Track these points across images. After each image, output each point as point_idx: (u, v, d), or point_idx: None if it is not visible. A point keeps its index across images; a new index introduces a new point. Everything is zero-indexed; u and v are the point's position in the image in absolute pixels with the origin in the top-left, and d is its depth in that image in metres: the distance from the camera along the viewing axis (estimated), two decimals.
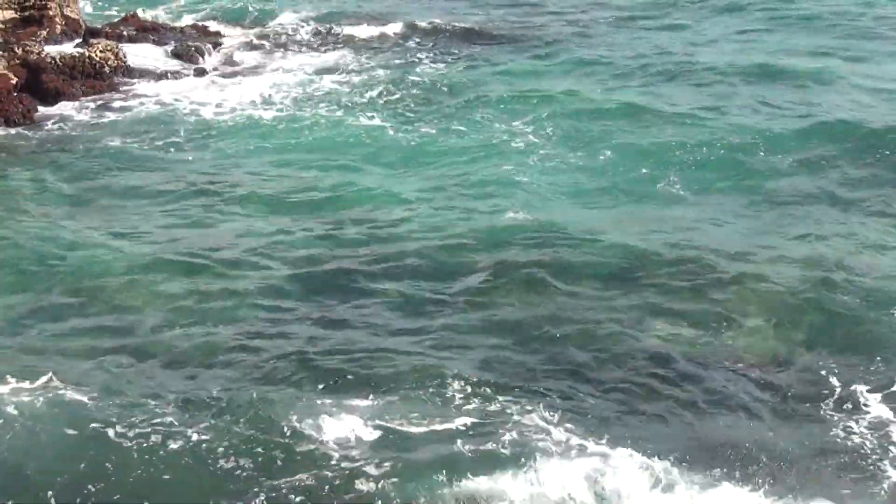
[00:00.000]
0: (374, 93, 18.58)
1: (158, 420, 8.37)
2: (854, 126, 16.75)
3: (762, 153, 15.97)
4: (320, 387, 9.35)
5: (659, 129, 17.01)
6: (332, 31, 23.26)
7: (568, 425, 8.70)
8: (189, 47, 19.80)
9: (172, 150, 15.41)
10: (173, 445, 7.89)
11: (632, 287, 11.55)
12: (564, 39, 23.35)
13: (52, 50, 18.47)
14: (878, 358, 9.82)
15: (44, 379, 8.81)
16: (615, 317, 11.05)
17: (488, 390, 9.25)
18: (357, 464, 7.89)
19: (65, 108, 16.77)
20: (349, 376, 9.46)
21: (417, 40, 22.74)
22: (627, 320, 10.87)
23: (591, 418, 9.03)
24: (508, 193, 13.93)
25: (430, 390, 9.06)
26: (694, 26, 24.99)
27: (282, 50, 20.94)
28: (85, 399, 8.52)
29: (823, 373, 9.45)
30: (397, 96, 18.45)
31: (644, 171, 14.95)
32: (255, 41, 21.53)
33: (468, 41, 23.17)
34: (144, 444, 7.81)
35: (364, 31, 23.97)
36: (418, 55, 21.59)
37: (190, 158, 15.12)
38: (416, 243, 12.41)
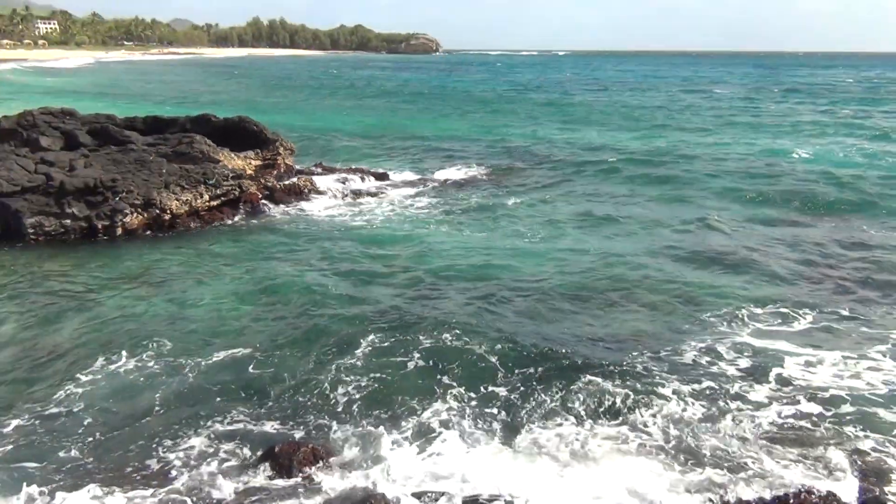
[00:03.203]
0: (453, 209, 25.58)
1: None
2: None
3: None
4: None
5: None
6: (429, 175, 32.10)
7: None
8: (346, 179, 29.59)
9: (326, 232, 22.22)
10: None
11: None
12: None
13: (278, 181, 27.57)
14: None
15: None
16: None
17: None
18: None
19: (284, 209, 25.38)
20: None
21: (486, 177, 31.69)
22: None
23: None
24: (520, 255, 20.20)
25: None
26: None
27: (401, 183, 30.15)
28: None
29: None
30: (461, 212, 25.15)
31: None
32: (385, 180, 30.86)
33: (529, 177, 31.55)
34: None
35: (450, 174, 32.32)
36: (485, 188, 29.71)
37: (339, 236, 21.70)
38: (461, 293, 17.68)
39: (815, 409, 11.63)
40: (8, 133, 26.14)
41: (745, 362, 13.28)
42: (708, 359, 13.41)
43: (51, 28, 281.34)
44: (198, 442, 10.71)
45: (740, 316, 15.43)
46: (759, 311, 15.68)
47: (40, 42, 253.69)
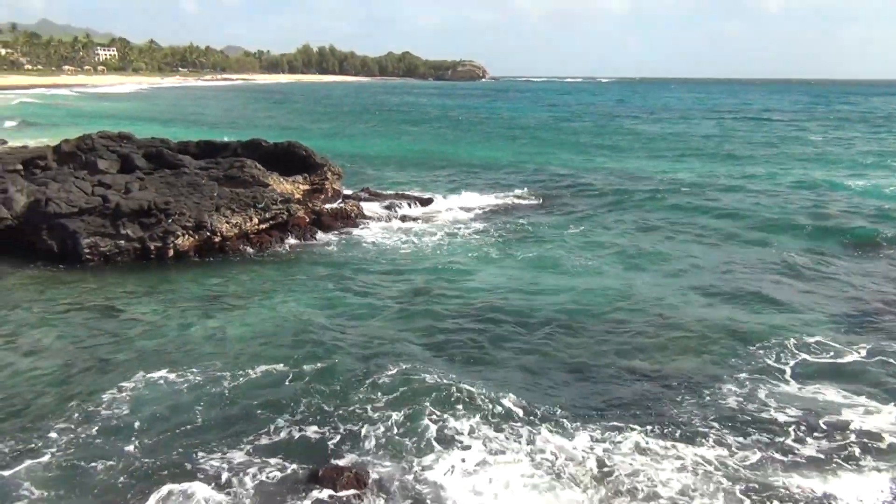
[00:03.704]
0: (498, 237, 25.85)
1: None
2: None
3: None
4: None
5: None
6: (474, 201, 32.18)
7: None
8: (393, 205, 29.87)
9: (372, 258, 22.52)
10: None
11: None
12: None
13: (326, 205, 28.05)
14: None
15: None
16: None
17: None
18: None
19: (331, 234, 25.65)
20: None
21: (529, 205, 31.88)
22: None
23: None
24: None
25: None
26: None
27: (446, 209, 30.37)
28: None
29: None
30: (505, 241, 25.50)
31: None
32: (430, 205, 31.10)
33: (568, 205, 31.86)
34: None
35: (495, 201, 32.59)
36: (529, 216, 30.00)
37: (385, 262, 22.08)
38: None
39: (875, 462, 10.97)
40: (68, 156, 27.09)
41: (794, 409, 12.58)
42: (754, 405, 12.76)
43: (110, 55, 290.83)
44: (238, 455, 11.01)
45: (789, 357, 14.82)
46: (809, 352, 15.07)
47: (99, 68, 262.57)
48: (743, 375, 13.97)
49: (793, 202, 31.77)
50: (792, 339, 15.56)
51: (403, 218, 28.82)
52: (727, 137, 63.90)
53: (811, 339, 15.62)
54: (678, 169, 43.11)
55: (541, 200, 32.94)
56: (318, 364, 14.08)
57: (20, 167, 25.91)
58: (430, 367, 13.95)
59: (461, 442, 11.25)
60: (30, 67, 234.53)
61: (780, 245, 24.51)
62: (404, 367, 13.89)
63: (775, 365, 14.44)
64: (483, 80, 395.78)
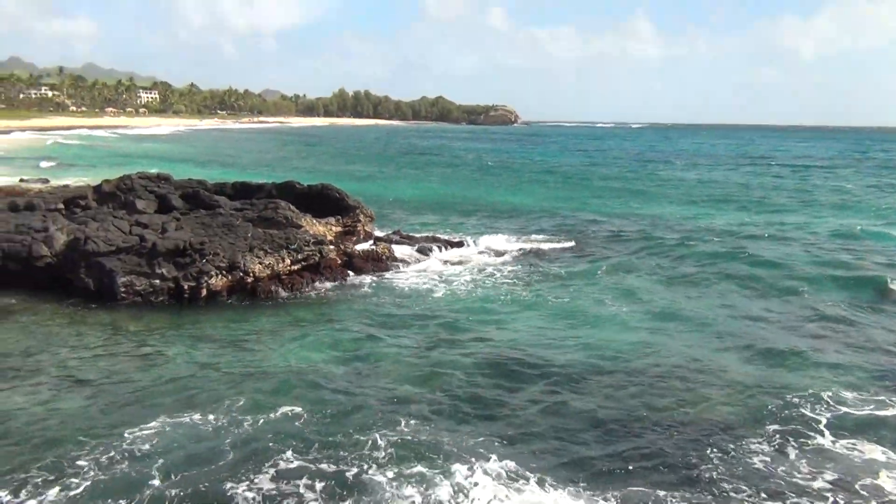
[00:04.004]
0: (529, 282, 25.79)
1: None
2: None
3: None
4: None
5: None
6: (505, 245, 32.35)
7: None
8: (424, 248, 29.95)
9: (403, 300, 22.65)
10: None
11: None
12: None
13: (357, 247, 28.27)
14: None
15: None
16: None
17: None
18: None
19: (362, 276, 25.70)
20: None
21: (559, 251, 31.69)
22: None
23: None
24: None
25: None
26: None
27: (477, 253, 30.43)
28: None
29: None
30: (536, 287, 25.15)
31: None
32: (461, 248, 31.21)
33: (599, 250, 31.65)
34: None
35: (525, 245, 32.56)
36: (559, 262, 29.93)
37: (415, 305, 22.31)
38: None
39: None
40: (108, 195, 27.78)
41: (830, 471, 12.13)
42: (784, 467, 12.28)
43: (151, 97, 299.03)
44: (257, 489, 11.26)
45: (824, 412, 14.39)
46: (846, 406, 14.65)
47: (141, 110, 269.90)
48: (775, 430, 13.63)
49: (828, 252, 31.22)
50: (827, 393, 15.19)
51: (434, 261, 28.90)
52: (761, 185, 63.47)
53: (847, 394, 15.24)
54: (711, 216, 42.84)
55: (571, 245, 32.85)
56: (337, 408, 14.20)
57: (62, 206, 26.61)
58: (447, 418, 13.95)
59: (473, 501, 11.06)
60: (74, 109, 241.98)
61: (815, 295, 24.01)
62: (425, 416, 13.89)
63: (810, 419, 14.05)
64: (515, 124, 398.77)
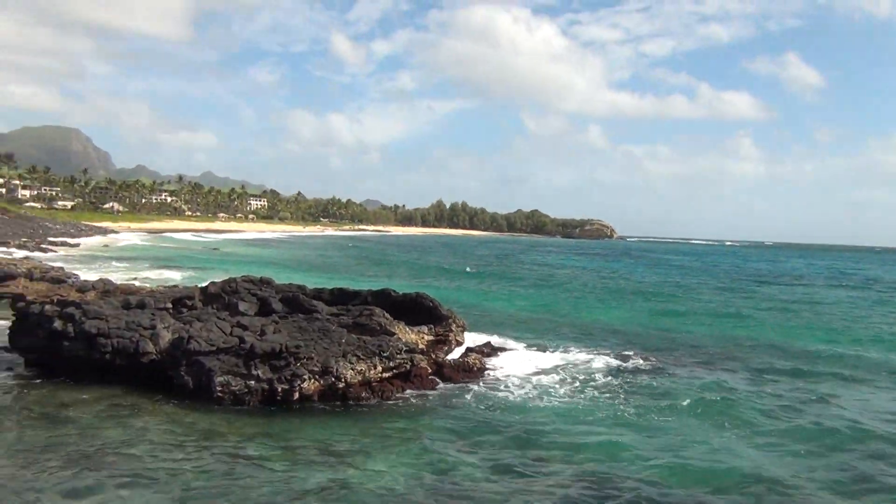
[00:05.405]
0: (630, 400, 24.89)
1: None
2: None
3: None
4: None
5: None
6: (601, 361, 31.24)
7: None
8: (515, 359, 29.45)
9: (496, 414, 22.23)
10: None
11: None
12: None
13: (449, 357, 28.29)
14: None
15: None
16: None
17: None
18: None
19: (452, 386, 25.47)
20: None
21: (653, 369, 30.44)
22: None
23: None
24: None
25: None
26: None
27: (569, 365, 29.42)
28: None
29: None
30: (637, 406, 24.24)
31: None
32: (558, 362, 30.39)
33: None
34: None
35: (623, 362, 31.31)
36: (657, 380, 28.54)
37: (507, 419, 21.77)
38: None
39: None
40: (214, 297, 28.90)
41: None
42: None
43: (260, 204, 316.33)
44: None
45: None
46: None
47: (250, 216, 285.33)
48: None
49: None
50: None
51: (525, 373, 28.16)
52: (875, 311, 59.62)
53: None
54: (817, 343, 40.21)
55: (670, 363, 31.47)
56: None
57: (170, 305, 27.79)
58: None
59: None
60: (190, 214, 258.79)
61: None
62: None
63: None
64: (611, 238, 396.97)
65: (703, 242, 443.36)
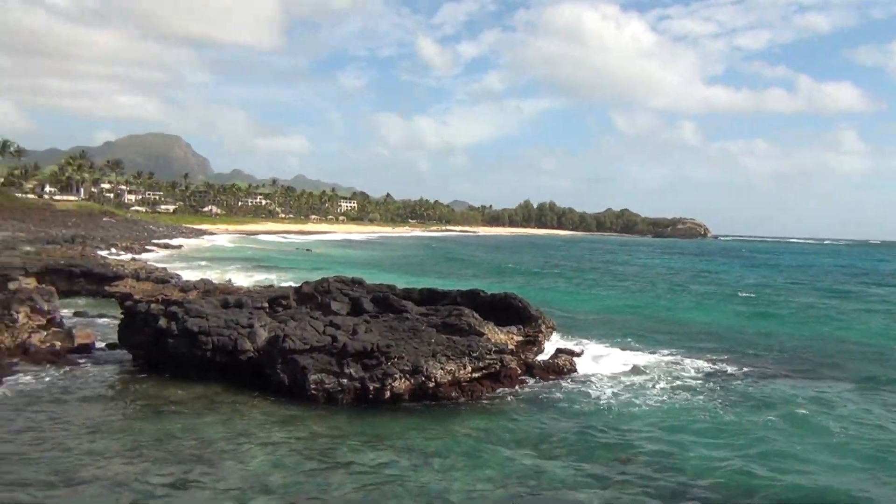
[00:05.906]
0: (725, 403, 24.14)
1: None
2: None
3: None
4: None
5: None
6: (692, 364, 30.40)
7: None
8: (606, 360, 29.01)
9: (587, 416, 21.88)
10: None
11: None
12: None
13: (538, 357, 28.21)
14: None
15: None
16: None
17: None
18: None
19: (542, 388, 25.34)
20: None
21: (742, 373, 29.32)
22: None
23: None
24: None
25: None
26: None
27: (664, 367, 28.62)
28: None
29: None
30: (731, 407, 23.34)
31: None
32: (648, 362, 29.73)
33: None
34: None
35: (718, 366, 30.36)
36: (755, 382, 27.66)
37: (601, 423, 21.55)
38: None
39: None
40: (307, 297, 29.70)
41: None
42: None
43: (350, 206, 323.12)
44: None
45: None
46: None
47: (340, 218, 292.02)
48: None
49: None
50: None
51: (616, 375, 27.67)
52: None
53: None
54: None
55: (765, 370, 30.16)
56: None
57: (266, 304, 28.72)
58: None
59: None
60: (283, 216, 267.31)
61: None
62: None
63: None
64: (704, 238, 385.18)
65: (802, 241, 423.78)
